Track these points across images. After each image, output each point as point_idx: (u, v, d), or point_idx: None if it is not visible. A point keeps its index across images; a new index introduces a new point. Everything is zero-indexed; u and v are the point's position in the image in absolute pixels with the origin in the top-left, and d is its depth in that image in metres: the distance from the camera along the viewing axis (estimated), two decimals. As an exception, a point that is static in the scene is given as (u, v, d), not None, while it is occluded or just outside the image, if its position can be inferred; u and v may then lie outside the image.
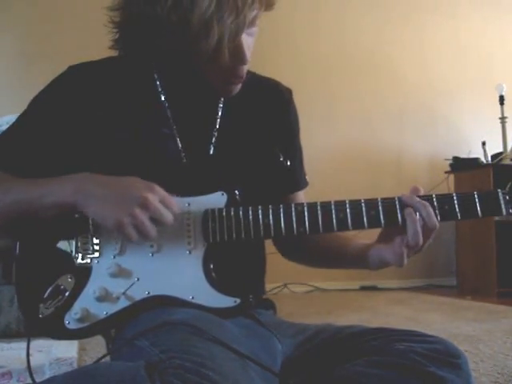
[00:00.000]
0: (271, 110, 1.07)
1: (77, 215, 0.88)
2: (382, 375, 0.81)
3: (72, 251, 0.89)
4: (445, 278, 3.99)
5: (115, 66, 0.99)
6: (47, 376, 1.36)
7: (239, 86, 0.96)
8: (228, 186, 0.90)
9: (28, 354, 0.89)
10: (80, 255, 0.89)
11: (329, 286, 3.77)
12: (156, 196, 0.82)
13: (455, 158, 3.77)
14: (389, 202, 0.88)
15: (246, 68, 0.93)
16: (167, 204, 0.83)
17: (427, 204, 0.87)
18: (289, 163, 1.03)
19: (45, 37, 3.40)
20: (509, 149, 3.69)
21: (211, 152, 0.98)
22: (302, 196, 1.12)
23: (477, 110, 4.25)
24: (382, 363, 0.82)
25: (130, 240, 0.82)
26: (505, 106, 3.77)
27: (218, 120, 1.01)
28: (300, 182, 1.12)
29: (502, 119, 3.76)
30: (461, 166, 3.71)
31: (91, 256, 0.88)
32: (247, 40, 0.90)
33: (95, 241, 0.89)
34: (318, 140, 3.84)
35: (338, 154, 4.02)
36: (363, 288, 3.84)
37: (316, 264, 1.15)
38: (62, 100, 0.95)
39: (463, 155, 3.81)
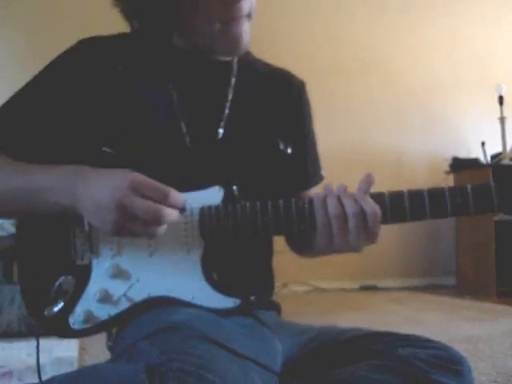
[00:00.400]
0: (282, 100, 1.04)
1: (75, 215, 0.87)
2: (384, 380, 0.80)
3: (72, 252, 0.89)
4: (444, 278, 3.99)
5: (125, 42, 0.97)
6: (48, 376, 1.36)
7: (245, 33, 0.90)
8: (227, 177, 0.87)
9: (38, 355, 0.88)
10: (79, 256, 0.88)
11: (329, 286, 3.77)
12: (131, 195, 0.76)
13: (454, 159, 3.77)
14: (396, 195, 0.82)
15: (241, 11, 0.88)
16: (148, 195, 0.77)
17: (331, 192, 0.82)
18: (290, 151, 0.98)
19: (48, 34, 3.40)
20: (508, 149, 3.70)
21: (217, 138, 0.95)
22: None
23: (476, 110, 4.25)
24: (384, 368, 0.82)
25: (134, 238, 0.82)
26: (504, 106, 3.77)
27: (228, 105, 0.97)
28: (312, 178, 1.08)
29: (502, 119, 3.75)
30: (460, 166, 3.71)
31: (90, 256, 0.88)
32: None
33: (93, 240, 0.88)
34: (317, 140, 3.84)
35: (336, 154, 4.01)
36: (363, 288, 3.84)
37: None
38: (67, 75, 0.93)
39: (463, 155, 3.82)
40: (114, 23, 0.97)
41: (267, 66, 1.05)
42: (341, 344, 0.91)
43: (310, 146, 1.09)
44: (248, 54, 1.04)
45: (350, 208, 0.80)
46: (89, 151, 0.87)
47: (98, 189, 0.78)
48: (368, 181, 0.83)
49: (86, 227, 0.87)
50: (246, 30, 0.91)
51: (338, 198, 0.81)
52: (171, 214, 0.78)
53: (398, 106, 4.20)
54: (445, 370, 0.81)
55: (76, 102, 0.92)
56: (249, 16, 0.90)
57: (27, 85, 0.94)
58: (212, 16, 0.88)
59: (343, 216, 0.80)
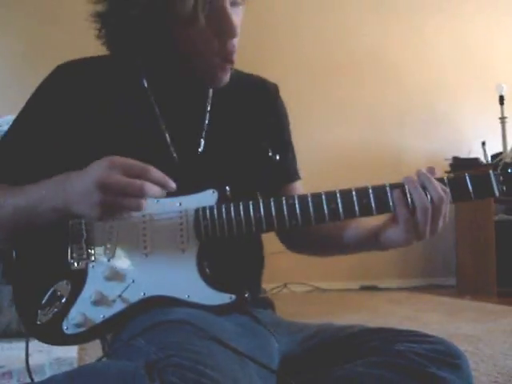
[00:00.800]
0: (259, 106, 1.07)
1: (71, 222, 0.88)
2: (383, 375, 0.81)
3: (67, 256, 0.89)
4: (444, 278, 3.99)
5: (103, 63, 0.99)
6: (47, 376, 1.36)
7: (227, 76, 0.95)
8: (218, 183, 0.90)
9: (27, 355, 0.88)
10: (75, 260, 0.88)
11: (329, 286, 3.77)
12: (110, 173, 0.78)
13: (455, 158, 3.77)
14: (380, 189, 0.87)
15: (235, 48, 0.92)
16: (127, 171, 0.79)
17: (428, 176, 0.86)
18: (278, 157, 1.02)
19: (45, 36, 3.40)
20: (508, 149, 3.70)
21: (201, 149, 0.98)
22: (301, 189, 1.11)
23: (477, 110, 4.25)
24: (382, 363, 0.82)
25: (124, 218, 0.83)
26: (505, 106, 3.77)
27: (207, 116, 1.00)
28: (293, 173, 1.12)
29: (502, 119, 3.76)
30: (461, 165, 3.71)
31: (86, 261, 0.88)
32: (234, 14, 0.89)
33: (89, 245, 0.89)
34: (317, 140, 3.84)
35: (337, 153, 4.02)
36: (363, 288, 3.85)
37: (321, 253, 1.15)
38: (50, 101, 0.96)
39: (463, 155, 3.82)
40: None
41: (240, 74, 1.07)
42: (338, 341, 0.92)
43: (289, 146, 1.13)
44: None
45: (435, 196, 0.84)
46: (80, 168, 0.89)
47: (80, 180, 0.80)
48: (432, 172, 0.87)
49: (84, 231, 0.88)
50: (229, 66, 0.95)
51: (423, 189, 0.85)
52: (152, 188, 0.79)
53: (398, 105, 4.20)
54: (442, 363, 0.81)
55: (62, 126, 0.95)
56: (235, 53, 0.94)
57: (17, 118, 0.98)
58: (212, 49, 0.90)
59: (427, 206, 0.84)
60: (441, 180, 0.87)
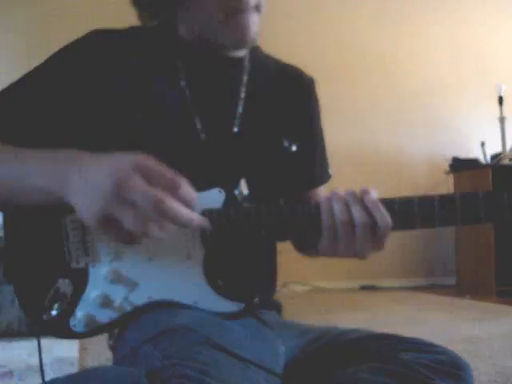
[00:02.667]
0: (293, 98, 1.02)
1: (68, 218, 0.85)
2: (385, 383, 0.80)
3: (66, 254, 0.86)
4: (444, 278, 3.99)
5: (136, 36, 0.94)
6: (47, 376, 1.36)
7: (252, 31, 0.87)
8: (228, 180, 0.84)
9: (40, 357, 0.88)
10: (74, 259, 0.86)
11: (329, 286, 3.77)
12: (132, 175, 0.63)
13: (454, 159, 3.77)
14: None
15: None
16: (153, 179, 0.64)
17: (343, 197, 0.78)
18: (294, 148, 0.96)
19: (46, 35, 3.40)
20: (508, 149, 3.70)
21: (232, 133, 0.93)
22: (324, 191, 1.06)
23: (476, 111, 4.26)
24: (385, 371, 0.81)
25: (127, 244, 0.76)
26: (504, 107, 3.78)
27: (241, 103, 0.95)
28: (320, 176, 1.06)
29: (501, 119, 3.76)
30: (460, 166, 3.71)
31: (86, 260, 0.86)
32: None
33: (88, 243, 0.86)
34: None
35: (336, 155, 3.99)
36: (363, 287, 3.85)
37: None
38: (75, 64, 0.88)
39: (462, 156, 3.82)
40: (113, 24, 0.97)
41: (278, 62, 1.03)
42: (342, 345, 0.90)
43: (318, 143, 1.07)
44: (258, 49, 1.02)
45: (359, 218, 0.76)
46: (95, 142, 0.81)
47: (95, 172, 0.66)
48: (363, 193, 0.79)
49: (81, 229, 0.85)
50: (253, 22, 0.86)
51: (346, 205, 0.77)
52: (177, 210, 0.64)
53: (398, 106, 4.20)
54: (446, 375, 0.80)
55: (84, 93, 0.87)
56: (257, 8, 0.87)
57: (34, 70, 0.88)
58: (213, 5, 0.86)
59: (351, 223, 0.76)
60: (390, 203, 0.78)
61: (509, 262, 3.40)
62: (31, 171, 0.73)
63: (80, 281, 0.86)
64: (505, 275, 3.37)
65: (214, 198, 0.82)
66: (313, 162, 1.05)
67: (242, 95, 0.95)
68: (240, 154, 0.92)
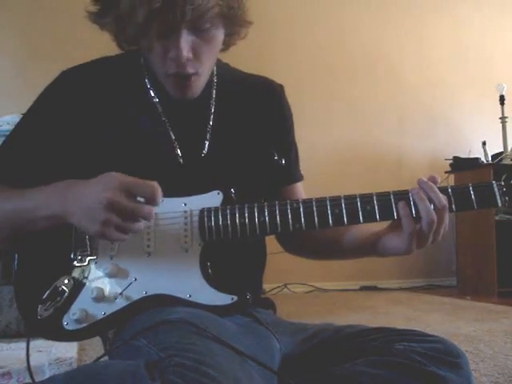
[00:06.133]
0: (264, 107, 1.07)
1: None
2: (382, 375, 0.81)
3: (70, 253, 0.90)
4: (445, 278, 3.99)
5: (107, 66, 1.00)
6: (47, 376, 1.35)
7: (191, 90, 0.93)
8: (222, 185, 0.91)
9: (28, 355, 0.89)
10: (78, 257, 0.89)
11: (329, 286, 3.76)
12: (116, 191, 0.79)
13: (455, 158, 3.77)
14: (384, 196, 0.89)
15: (184, 66, 0.89)
16: (135, 192, 0.80)
17: (433, 185, 0.89)
18: (283, 161, 1.02)
19: (45, 36, 3.40)
20: (509, 149, 3.69)
21: (205, 151, 0.98)
22: (301, 189, 1.12)
23: (477, 110, 4.25)
24: (382, 363, 0.83)
25: (121, 241, 0.84)
26: (505, 106, 3.78)
27: (212, 118, 1.00)
28: (295, 175, 1.12)
29: (503, 119, 3.76)
30: (461, 165, 3.71)
31: (89, 257, 0.89)
32: (191, 40, 0.87)
33: (92, 242, 0.89)
34: (317, 141, 3.84)
35: (336, 154, 4.01)
36: (363, 288, 3.84)
37: (319, 256, 1.15)
38: (55, 107, 0.97)
39: (463, 155, 3.81)
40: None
41: (245, 75, 1.08)
42: (338, 341, 0.92)
43: (292, 147, 1.13)
44: (225, 65, 1.08)
45: (443, 201, 0.87)
46: (84, 173, 0.89)
47: (87, 194, 0.81)
48: (434, 181, 0.90)
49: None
50: (192, 82, 0.92)
51: (436, 192, 0.88)
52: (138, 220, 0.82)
53: (399, 105, 4.20)
54: (442, 362, 0.81)
55: (66, 133, 0.96)
56: (196, 74, 0.91)
57: (21, 120, 0.98)
58: (157, 61, 0.91)
59: (445, 208, 0.87)
60: (444, 190, 0.89)
61: (510, 263, 3.39)
62: (40, 204, 0.85)
63: (81, 278, 0.89)
64: (506, 276, 3.37)
65: (213, 199, 0.90)
66: (289, 163, 1.10)
67: (212, 110, 1.01)
68: (216, 169, 0.98)
